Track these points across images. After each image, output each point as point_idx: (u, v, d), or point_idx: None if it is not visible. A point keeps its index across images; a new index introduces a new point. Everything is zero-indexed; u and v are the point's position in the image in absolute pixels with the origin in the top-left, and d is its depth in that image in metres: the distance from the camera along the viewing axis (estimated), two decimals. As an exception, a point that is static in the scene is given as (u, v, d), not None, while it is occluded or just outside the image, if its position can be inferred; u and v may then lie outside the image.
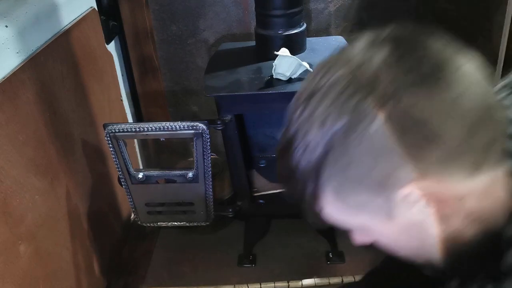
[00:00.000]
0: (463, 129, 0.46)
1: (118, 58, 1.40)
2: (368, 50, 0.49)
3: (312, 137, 0.49)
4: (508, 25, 0.95)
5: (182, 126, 1.02)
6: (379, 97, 0.46)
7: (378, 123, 0.46)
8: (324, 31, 1.42)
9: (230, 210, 1.27)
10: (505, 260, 0.49)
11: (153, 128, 1.02)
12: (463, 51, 0.49)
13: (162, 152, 1.63)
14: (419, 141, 0.46)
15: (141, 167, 1.55)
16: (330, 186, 0.51)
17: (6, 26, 0.87)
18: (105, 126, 1.03)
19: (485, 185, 0.49)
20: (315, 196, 0.52)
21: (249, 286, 1.24)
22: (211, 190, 1.12)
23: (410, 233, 0.53)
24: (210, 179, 1.10)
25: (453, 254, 0.53)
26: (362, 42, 0.50)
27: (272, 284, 1.24)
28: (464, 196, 0.49)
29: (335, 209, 0.54)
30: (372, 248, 0.59)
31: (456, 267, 0.55)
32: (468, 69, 0.48)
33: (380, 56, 0.47)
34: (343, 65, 0.49)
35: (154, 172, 1.11)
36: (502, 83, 0.58)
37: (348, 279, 1.23)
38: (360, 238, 0.59)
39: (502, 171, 0.49)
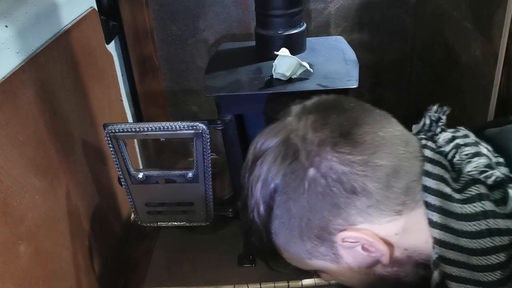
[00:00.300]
0: (379, 182, 0.53)
1: (118, 58, 1.40)
2: (297, 119, 0.57)
3: (257, 197, 0.57)
4: (508, 25, 0.95)
5: (182, 126, 1.02)
6: (306, 157, 0.53)
7: (307, 182, 0.53)
8: (324, 31, 1.42)
9: (230, 210, 1.27)
10: (432, 280, 0.56)
11: (153, 128, 1.02)
12: (379, 113, 0.58)
13: (162, 152, 1.63)
14: (342, 196, 0.53)
15: (141, 167, 1.55)
16: (279, 239, 0.58)
17: (6, 26, 0.87)
18: (105, 126, 1.03)
19: (411, 223, 0.55)
20: (272, 248, 0.60)
21: (249, 286, 1.24)
22: (211, 190, 1.12)
23: (359, 271, 0.59)
24: (210, 179, 1.10)
25: (400, 284, 0.60)
26: (293, 112, 0.59)
27: (272, 284, 1.24)
28: (393, 236, 0.55)
29: (290, 256, 0.61)
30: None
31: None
32: (380, 129, 0.55)
33: (306, 123, 0.55)
34: (278, 132, 0.57)
35: (154, 172, 1.11)
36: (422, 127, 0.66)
37: (348, 279, 1.23)
38: (325, 277, 0.67)
39: (422, 206, 0.55)
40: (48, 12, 1.01)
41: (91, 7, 1.22)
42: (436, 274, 0.56)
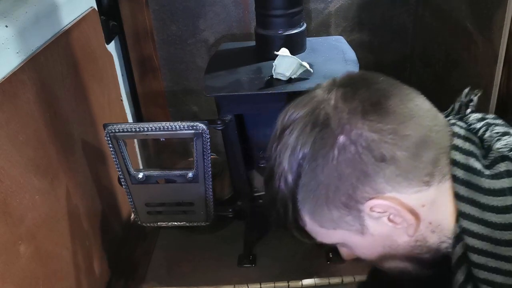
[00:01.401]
0: (408, 150, 0.53)
1: (118, 58, 1.40)
2: (327, 91, 0.58)
3: (285, 165, 0.57)
4: (508, 25, 0.95)
5: (182, 126, 1.02)
6: (337, 124, 0.54)
7: (336, 149, 0.54)
8: (324, 31, 1.42)
9: (230, 210, 1.27)
10: (455, 280, 0.57)
11: (153, 128, 1.03)
12: (407, 88, 0.58)
13: (162, 152, 1.63)
14: (371, 164, 0.53)
15: (141, 167, 1.55)
16: (305, 208, 0.58)
17: (6, 26, 0.87)
18: (105, 126, 1.03)
19: (437, 195, 0.56)
20: (295, 219, 0.60)
21: (249, 286, 1.24)
22: (211, 190, 1.12)
23: (383, 244, 0.60)
24: (210, 179, 1.10)
25: (421, 262, 0.61)
26: (322, 87, 0.59)
27: (272, 284, 1.24)
28: (420, 208, 0.56)
29: (314, 227, 0.61)
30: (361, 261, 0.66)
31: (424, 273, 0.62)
32: (408, 102, 0.56)
33: (336, 95, 0.56)
34: (307, 103, 0.58)
35: (154, 172, 1.11)
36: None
37: (348, 279, 1.23)
38: (345, 252, 0.67)
39: (449, 180, 0.56)
40: (48, 12, 1.01)
41: (91, 7, 1.22)
42: (459, 275, 0.56)
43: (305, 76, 1.07)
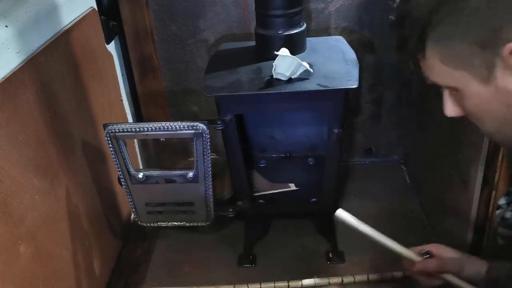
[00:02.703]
0: None
1: (118, 58, 1.40)
2: None
3: None
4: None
5: (182, 126, 1.02)
6: None
7: None
8: (324, 31, 1.42)
9: (230, 210, 1.27)
10: None
11: (153, 128, 1.03)
12: None
13: (162, 152, 1.63)
14: None
15: (141, 167, 1.55)
16: (439, 31, 0.51)
17: (6, 26, 0.87)
18: (105, 126, 1.03)
19: None
20: (419, 45, 0.53)
21: (249, 286, 1.24)
22: (211, 190, 1.12)
23: (502, 101, 0.52)
24: (210, 179, 1.10)
25: None
26: None
27: (272, 284, 1.24)
28: None
29: (434, 61, 0.54)
30: None
31: None
32: None
33: None
34: None
35: (154, 172, 1.11)
36: None
37: (348, 279, 1.23)
38: (450, 105, 0.59)
39: None
40: (48, 12, 1.01)
41: (91, 7, 1.22)
42: None
43: (305, 76, 1.07)
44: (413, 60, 0.58)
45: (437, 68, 0.55)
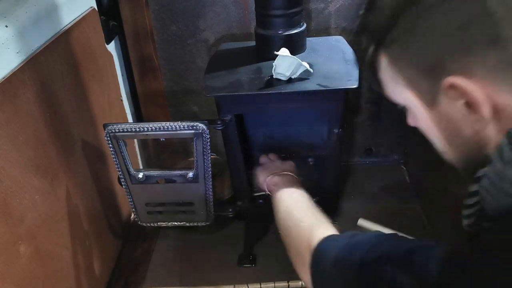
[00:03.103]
0: None
1: (118, 58, 1.40)
2: None
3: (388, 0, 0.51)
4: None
5: (182, 126, 1.02)
6: None
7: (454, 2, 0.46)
8: (324, 31, 1.42)
9: (230, 210, 1.27)
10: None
11: (153, 128, 1.03)
12: None
13: (162, 152, 1.63)
14: (482, 37, 0.45)
15: (141, 167, 1.55)
16: (392, 48, 0.52)
17: (6, 26, 0.87)
18: (105, 126, 1.03)
19: None
20: (375, 55, 0.54)
21: (249, 286, 1.24)
22: (211, 190, 1.12)
23: (445, 127, 0.53)
24: (210, 179, 1.10)
25: (470, 160, 0.54)
26: None
27: (272, 284, 1.24)
28: (504, 108, 0.47)
29: (387, 77, 0.56)
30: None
31: (468, 171, 0.54)
32: None
33: None
34: None
35: (154, 172, 1.11)
36: None
37: (348, 279, 1.23)
38: (411, 119, 0.61)
39: None
40: (48, 12, 1.01)
41: (91, 7, 1.22)
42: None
43: (305, 76, 1.07)
44: (369, 75, 0.60)
45: (390, 86, 0.57)
